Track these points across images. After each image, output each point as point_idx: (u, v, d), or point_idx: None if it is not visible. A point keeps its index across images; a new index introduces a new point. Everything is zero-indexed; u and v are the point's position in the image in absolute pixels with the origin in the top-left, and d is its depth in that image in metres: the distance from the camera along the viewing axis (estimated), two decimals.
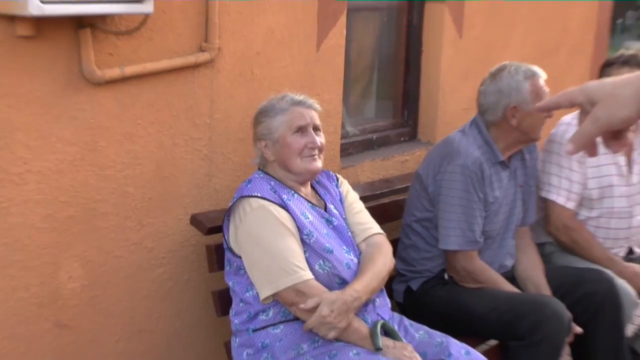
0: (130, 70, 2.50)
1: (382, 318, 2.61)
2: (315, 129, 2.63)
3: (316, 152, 2.61)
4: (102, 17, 2.37)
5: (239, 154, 2.96)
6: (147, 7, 2.33)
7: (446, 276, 3.18)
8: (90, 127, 2.46)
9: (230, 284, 2.60)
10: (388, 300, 2.73)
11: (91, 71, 2.39)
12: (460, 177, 3.02)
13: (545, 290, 3.17)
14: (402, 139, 3.97)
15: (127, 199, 2.62)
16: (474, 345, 2.75)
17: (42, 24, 2.23)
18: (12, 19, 2.16)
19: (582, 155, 3.45)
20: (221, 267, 2.68)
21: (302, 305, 2.38)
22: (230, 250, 2.55)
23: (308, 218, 2.55)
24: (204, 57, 2.73)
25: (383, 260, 2.66)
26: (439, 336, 2.67)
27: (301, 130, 2.59)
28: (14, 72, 2.24)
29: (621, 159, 3.48)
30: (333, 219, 2.65)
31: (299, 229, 2.50)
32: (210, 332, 2.98)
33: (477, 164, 3.03)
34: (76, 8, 2.15)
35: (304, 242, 2.50)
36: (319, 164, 2.62)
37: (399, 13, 3.90)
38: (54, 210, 2.42)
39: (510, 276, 3.24)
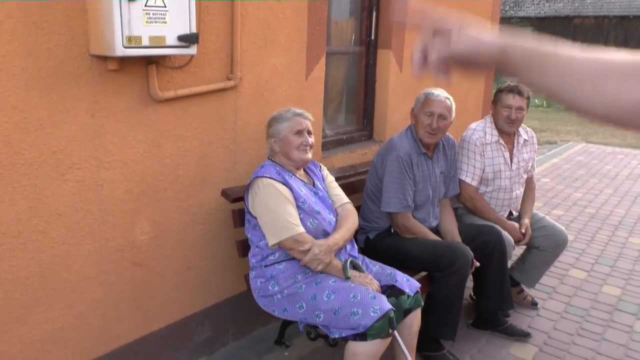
0: (181, 92, 2.57)
1: (352, 256, 2.71)
2: (309, 132, 2.71)
3: (308, 148, 2.69)
4: (163, 57, 2.44)
5: (254, 148, 3.03)
6: (193, 50, 2.40)
7: (392, 230, 3.28)
8: (155, 130, 2.53)
9: (248, 235, 2.69)
10: (355, 245, 2.83)
11: (155, 93, 2.46)
12: (396, 163, 3.12)
13: (457, 238, 3.28)
14: (362, 138, 4.05)
15: (178, 179, 2.69)
16: (411, 275, 2.85)
17: (124, 61, 2.30)
18: (105, 58, 2.23)
19: (482, 150, 3.62)
20: (242, 224, 2.77)
21: (300, 248, 2.47)
22: (249, 213, 2.63)
23: (302, 191, 2.64)
24: (230, 84, 2.80)
25: (352, 220, 2.76)
26: (388, 269, 2.77)
27: (299, 132, 2.67)
28: (106, 93, 2.30)
29: (506, 154, 3.61)
30: (318, 192, 2.74)
31: (296, 198, 2.58)
32: (234, 268, 3.06)
33: (407, 155, 3.13)
34: (147, 51, 2.22)
35: (299, 208, 2.58)
36: (309, 155, 2.71)
37: (360, 56, 3.98)
38: (131, 187, 2.49)
39: (435, 230, 3.34)
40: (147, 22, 2.18)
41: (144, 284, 2.66)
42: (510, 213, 3.77)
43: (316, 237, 2.58)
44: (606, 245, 5.22)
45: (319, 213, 2.63)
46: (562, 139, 11.57)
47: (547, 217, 3.82)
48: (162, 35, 2.25)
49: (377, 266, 2.79)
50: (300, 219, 2.56)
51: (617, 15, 26.46)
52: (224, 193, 2.83)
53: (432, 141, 3.19)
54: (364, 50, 3.96)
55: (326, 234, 2.63)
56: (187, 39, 2.33)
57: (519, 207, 3.81)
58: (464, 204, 3.63)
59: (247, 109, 2.95)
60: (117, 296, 2.56)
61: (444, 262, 2.98)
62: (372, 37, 3.94)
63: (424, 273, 3.16)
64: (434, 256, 3.03)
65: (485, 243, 3.25)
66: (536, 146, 3.88)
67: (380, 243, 3.25)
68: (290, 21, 3.07)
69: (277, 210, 2.52)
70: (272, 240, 2.53)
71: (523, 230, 3.58)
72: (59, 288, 2.32)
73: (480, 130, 3.59)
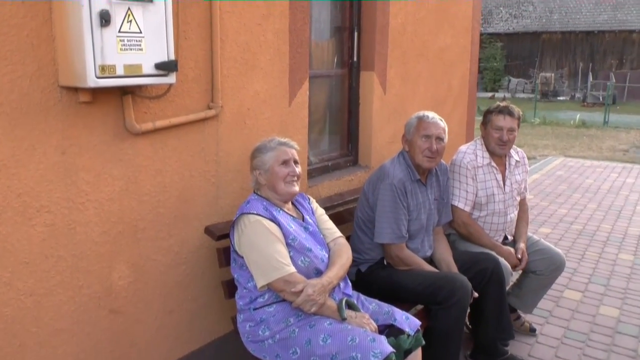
0: (159, 123, 2.40)
1: (346, 295, 2.54)
2: (295, 162, 2.56)
3: (295, 179, 2.54)
4: (139, 87, 2.27)
5: (238, 181, 2.86)
6: (171, 79, 2.23)
7: (385, 262, 3.13)
8: (132, 165, 2.35)
9: (235, 276, 2.50)
10: (349, 282, 2.66)
11: (132, 125, 2.28)
12: (390, 192, 2.98)
13: (454, 268, 3.14)
14: (348, 164, 3.91)
15: (159, 217, 2.50)
16: (406, 309, 2.71)
17: (97, 92, 2.13)
18: (75, 89, 2.05)
19: (474, 173, 3.50)
20: (228, 263, 2.58)
21: (292, 289, 2.30)
22: (235, 252, 2.45)
23: (292, 227, 2.47)
24: (211, 113, 2.63)
25: (346, 256, 2.60)
26: (386, 307, 2.60)
27: (285, 163, 2.51)
28: (77, 128, 2.12)
29: (499, 176, 3.50)
30: (309, 226, 2.58)
31: (285, 235, 2.41)
32: (220, 310, 2.87)
33: (401, 182, 3.00)
34: (121, 81, 2.05)
35: (289, 245, 2.41)
36: (296, 188, 2.55)
37: (342, 78, 3.86)
38: (108, 228, 2.30)
39: (429, 260, 3.20)
40: (121, 49, 2.01)
41: (122, 332, 2.45)
42: (505, 237, 3.65)
43: (308, 276, 2.41)
44: (597, 262, 5.15)
45: (310, 250, 2.46)
46: (540, 153, 11.64)
47: (542, 239, 3.71)
48: (138, 64, 2.08)
49: (373, 304, 2.62)
50: (291, 257, 2.39)
51: (583, 30, 27.15)
52: (208, 230, 2.65)
53: (431, 165, 3.06)
54: (346, 72, 3.84)
55: (319, 273, 2.47)
56: (165, 67, 2.16)
57: (513, 230, 3.69)
58: (457, 230, 3.50)
59: (229, 139, 2.78)
60: (93, 348, 2.34)
61: (442, 294, 2.84)
62: (355, 59, 3.82)
63: (420, 306, 3.03)
64: (431, 288, 2.88)
65: (483, 271, 3.12)
66: (527, 166, 3.78)
67: (372, 276, 3.09)
68: (272, 44, 2.92)
69: (266, 249, 2.34)
70: (260, 282, 2.35)
71: (519, 255, 3.46)
72: (26, 344, 2.10)
73: (471, 153, 3.48)
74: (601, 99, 21.56)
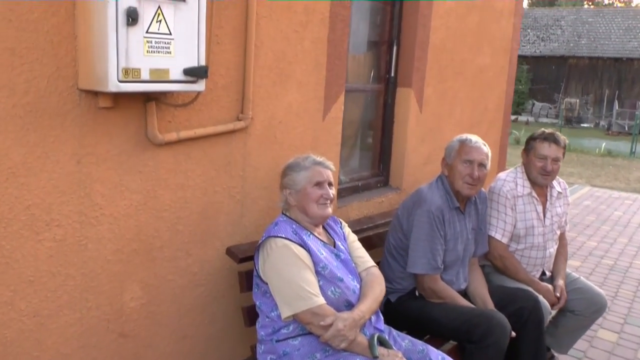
0: (183, 134, 2.20)
1: (378, 330, 2.31)
2: (329, 184, 2.34)
3: (328, 202, 2.32)
4: (165, 94, 2.07)
5: (264, 198, 2.65)
6: (200, 87, 2.03)
7: (417, 293, 2.89)
8: (152, 178, 2.15)
9: (257, 303, 2.28)
10: (381, 316, 2.43)
11: (154, 135, 2.08)
12: (427, 219, 2.76)
13: (490, 304, 2.89)
14: (378, 185, 3.68)
15: (177, 235, 2.30)
16: (438, 345, 2.52)
17: (119, 98, 1.93)
18: (95, 93, 1.85)
19: (513, 203, 3.26)
20: (250, 288, 2.36)
21: (322, 322, 2.07)
22: (259, 277, 2.23)
23: (322, 254, 2.25)
24: (240, 125, 2.43)
25: (380, 288, 2.37)
26: (420, 344, 2.37)
27: (319, 184, 2.30)
28: (95, 135, 1.92)
29: (539, 207, 3.25)
30: (341, 254, 2.35)
31: (315, 263, 2.19)
32: (238, 339, 2.64)
33: (439, 210, 2.77)
34: (146, 86, 1.84)
35: (319, 274, 2.19)
36: (329, 210, 2.33)
37: (378, 94, 3.64)
38: (122, 246, 2.09)
39: (463, 293, 2.96)
40: (147, 51, 1.81)
41: (131, 357, 2.24)
42: (543, 273, 3.38)
43: (338, 308, 2.18)
44: (632, 302, 4.85)
45: (341, 280, 2.24)
46: (566, 181, 11.30)
47: (582, 277, 3.44)
48: (165, 68, 1.88)
49: (406, 340, 2.39)
50: (320, 286, 2.17)
51: (611, 57, 26.75)
52: (230, 252, 2.43)
53: (471, 193, 2.84)
54: (382, 87, 3.62)
55: (349, 305, 2.24)
56: (195, 73, 1.96)
57: (551, 266, 3.42)
58: (493, 262, 3.25)
59: (258, 153, 2.57)
60: None
61: (478, 332, 2.60)
62: (392, 74, 3.60)
63: (452, 342, 2.79)
64: (467, 325, 2.64)
65: (521, 310, 2.87)
66: (569, 199, 3.52)
67: (403, 307, 2.86)
68: (309, 54, 2.72)
69: (293, 276, 2.12)
70: (285, 312, 2.12)
71: (558, 294, 3.20)
72: None
73: (511, 182, 3.23)
74: (626, 128, 21.12)
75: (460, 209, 2.90)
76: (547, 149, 3.19)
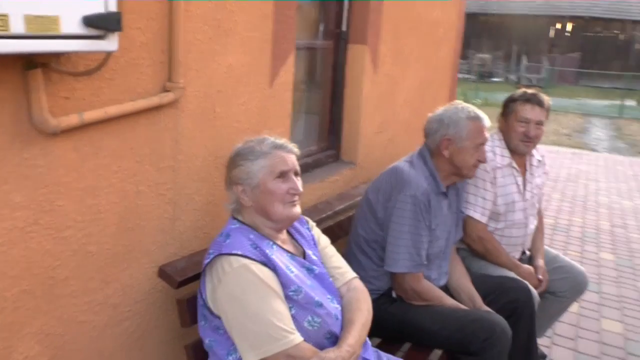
0: (89, 115, 1.50)
1: None
2: (296, 174, 1.74)
3: (297, 197, 1.72)
4: (57, 56, 1.36)
5: (202, 193, 2.00)
6: (111, 45, 1.34)
7: (394, 294, 2.38)
8: (45, 185, 1.45)
9: (206, 341, 1.67)
10: (368, 340, 1.88)
11: (44, 120, 1.37)
12: (411, 206, 2.24)
13: (478, 300, 2.45)
14: (329, 160, 3.09)
15: (89, 259, 1.62)
16: (424, 356, 2.13)
17: None
18: None
19: (493, 176, 2.80)
20: (194, 321, 1.74)
21: None
22: (208, 308, 1.62)
23: (293, 272, 1.66)
24: (168, 97, 1.75)
25: (366, 307, 1.83)
26: None
27: (283, 175, 1.69)
28: None
29: (519, 179, 2.81)
30: (314, 267, 1.77)
31: (285, 285, 1.61)
32: None
33: (425, 195, 2.26)
34: (24, 44, 1.15)
35: (289, 299, 1.61)
36: (298, 209, 1.74)
37: (326, 52, 3.02)
38: (3, 289, 1.39)
39: (445, 288, 2.49)
40: None
41: None
42: (523, 252, 2.97)
43: (318, 344, 1.63)
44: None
45: (320, 305, 1.67)
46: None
47: (560, 254, 3.07)
48: (52, 15, 1.18)
49: None
50: (293, 316, 1.60)
51: (519, 14, 27.30)
52: (164, 274, 1.78)
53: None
54: (331, 44, 3.00)
55: (332, 337, 1.68)
56: (102, 23, 1.27)
57: (529, 244, 3.02)
58: (471, 245, 2.79)
59: (193, 135, 1.91)
60: None
61: (476, 343, 2.16)
62: (343, 28, 2.98)
63: (437, 350, 2.36)
64: (461, 334, 2.19)
65: (512, 303, 2.46)
66: (547, 167, 3.12)
67: (379, 312, 2.26)
68: (252, 2, 2.06)
69: (258, 309, 1.53)
70: (250, 356, 1.53)
71: (540, 275, 2.81)
72: None
73: (489, 151, 2.75)
74: (534, 82, 21.62)
75: (445, 193, 2.40)
76: (529, 112, 2.74)
